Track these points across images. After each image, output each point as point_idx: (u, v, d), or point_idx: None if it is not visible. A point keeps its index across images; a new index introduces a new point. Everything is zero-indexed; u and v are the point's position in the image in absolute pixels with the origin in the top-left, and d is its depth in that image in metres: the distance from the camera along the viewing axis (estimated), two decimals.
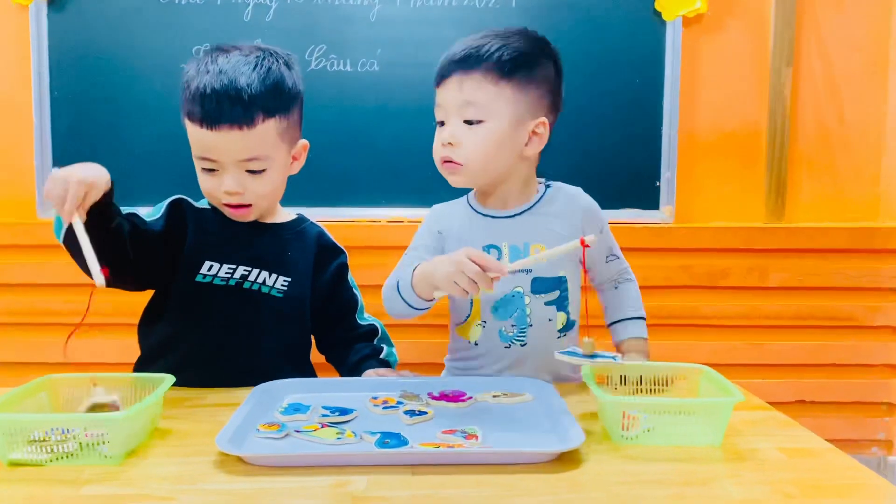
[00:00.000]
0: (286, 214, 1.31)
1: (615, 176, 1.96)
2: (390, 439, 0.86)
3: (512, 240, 1.20)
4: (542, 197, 1.24)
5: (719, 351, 1.93)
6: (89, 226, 1.00)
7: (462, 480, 0.77)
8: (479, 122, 1.15)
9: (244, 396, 1.00)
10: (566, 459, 0.82)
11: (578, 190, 1.27)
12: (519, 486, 0.76)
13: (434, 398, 1.03)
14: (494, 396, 1.04)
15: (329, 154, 1.90)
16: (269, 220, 1.28)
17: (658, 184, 1.97)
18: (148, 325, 1.26)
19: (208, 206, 1.25)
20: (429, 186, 1.94)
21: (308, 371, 1.30)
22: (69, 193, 0.97)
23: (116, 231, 1.08)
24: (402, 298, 1.13)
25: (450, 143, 1.16)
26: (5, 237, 1.90)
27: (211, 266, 1.20)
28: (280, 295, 1.23)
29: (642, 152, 1.96)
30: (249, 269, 1.21)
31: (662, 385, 1.02)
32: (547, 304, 1.20)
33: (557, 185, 1.27)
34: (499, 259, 1.18)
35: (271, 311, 1.22)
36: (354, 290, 1.35)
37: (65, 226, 1.01)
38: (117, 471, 0.80)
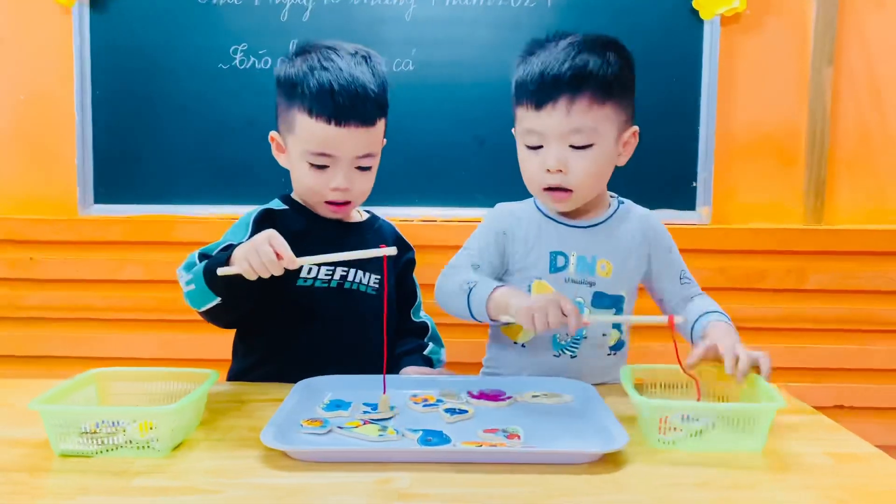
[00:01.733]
0: (357, 214, 1.34)
1: (651, 176, 1.94)
2: (433, 437, 0.87)
3: (581, 250, 1.19)
4: (614, 212, 1.23)
5: None
6: (245, 295, 1.08)
7: (505, 479, 0.77)
8: (588, 146, 1.12)
9: (284, 392, 1.01)
10: (609, 461, 0.82)
11: (648, 211, 1.27)
12: (561, 486, 0.76)
13: (473, 397, 1.03)
14: (534, 396, 1.04)
15: None
16: (349, 220, 1.30)
17: (694, 184, 1.95)
18: (249, 332, 1.25)
19: (287, 208, 1.26)
20: (463, 187, 1.96)
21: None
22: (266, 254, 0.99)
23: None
24: (469, 306, 1.10)
25: (558, 171, 1.12)
26: (47, 233, 1.94)
27: (310, 269, 1.21)
28: (374, 292, 1.25)
29: (679, 152, 1.94)
30: (347, 269, 1.23)
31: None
32: None
33: (629, 203, 1.26)
34: (565, 267, 1.18)
35: (371, 308, 1.23)
36: (416, 286, 1.37)
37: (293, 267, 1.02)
38: (165, 463, 0.81)
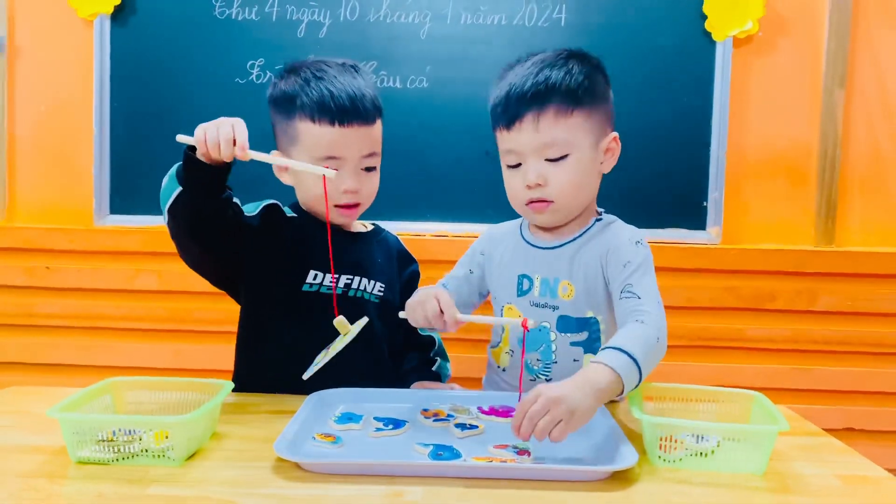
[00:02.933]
0: (362, 224, 1.37)
1: (662, 195, 1.95)
2: (443, 451, 0.88)
3: (545, 273, 1.17)
4: (585, 231, 1.18)
5: (765, 375, 1.90)
6: (205, 190, 1.08)
7: (515, 496, 0.78)
8: (563, 157, 1.12)
9: (297, 404, 1.03)
10: (619, 478, 0.83)
11: (625, 227, 1.20)
12: (571, 503, 0.77)
13: (484, 412, 1.04)
14: None
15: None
16: (352, 229, 1.33)
17: (705, 204, 1.95)
18: (253, 338, 1.26)
19: (296, 216, 1.28)
20: (475, 202, 1.97)
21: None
22: (224, 132, 1.02)
23: (226, 202, 1.13)
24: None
25: (538, 185, 1.13)
26: (63, 243, 1.96)
27: (316, 275, 1.22)
28: (377, 301, 1.27)
29: (690, 172, 1.95)
30: (352, 276, 1.25)
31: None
32: (573, 343, 1.15)
33: (610, 220, 1.21)
34: (529, 290, 1.18)
35: (375, 316, 1.25)
36: None
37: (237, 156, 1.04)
38: (180, 472, 0.83)
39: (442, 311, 1.05)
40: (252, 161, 1.07)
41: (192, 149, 1.05)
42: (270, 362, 1.23)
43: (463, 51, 1.95)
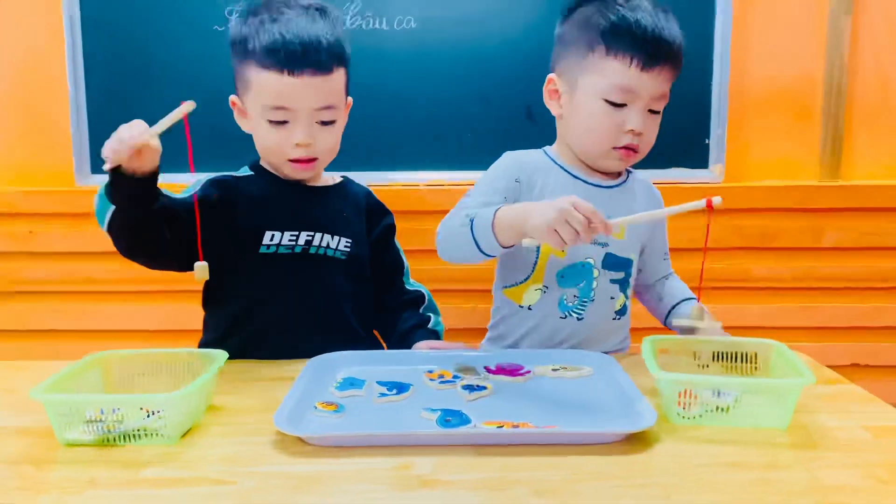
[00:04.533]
0: (330, 178, 1.30)
1: (662, 134, 1.82)
2: (452, 417, 0.83)
3: (598, 210, 1.14)
4: (629, 177, 1.24)
5: (771, 314, 1.87)
6: (135, 202, 1.03)
7: (529, 462, 0.74)
8: (657, 112, 1.15)
9: (296, 369, 0.98)
10: (636, 440, 0.79)
11: (644, 177, 1.29)
12: (588, 468, 0.73)
13: (491, 371, 1.00)
14: (554, 370, 1.01)
15: (365, 116, 1.82)
16: (317, 184, 1.26)
17: (707, 141, 1.89)
18: (215, 304, 1.24)
19: (251, 174, 1.22)
20: (470, 149, 1.90)
21: (371, 332, 1.29)
22: (122, 131, 0.98)
23: (158, 211, 1.08)
24: (474, 239, 1.04)
25: (640, 133, 1.13)
26: (44, 205, 1.89)
27: (272, 235, 1.17)
28: (344, 257, 1.22)
29: (691, 108, 1.87)
30: (312, 233, 1.19)
31: (732, 361, 0.98)
32: (612, 281, 1.18)
33: (635, 170, 1.27)
34: None
35: (340, 273, 1.21)
36: (400, 253, 1.33)
37: (142, 141, 0.99)
38: (175, 452, 0.78)
39: (589, 220, 0.92)
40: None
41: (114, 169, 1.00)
42: (231, 332, 1.19)
43: None
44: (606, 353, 1.07)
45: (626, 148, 1.14)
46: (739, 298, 1.87)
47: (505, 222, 1.00)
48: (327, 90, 1.15)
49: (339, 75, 1.16)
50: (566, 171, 1.19)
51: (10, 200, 1.89)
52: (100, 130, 1.89)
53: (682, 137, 1.89)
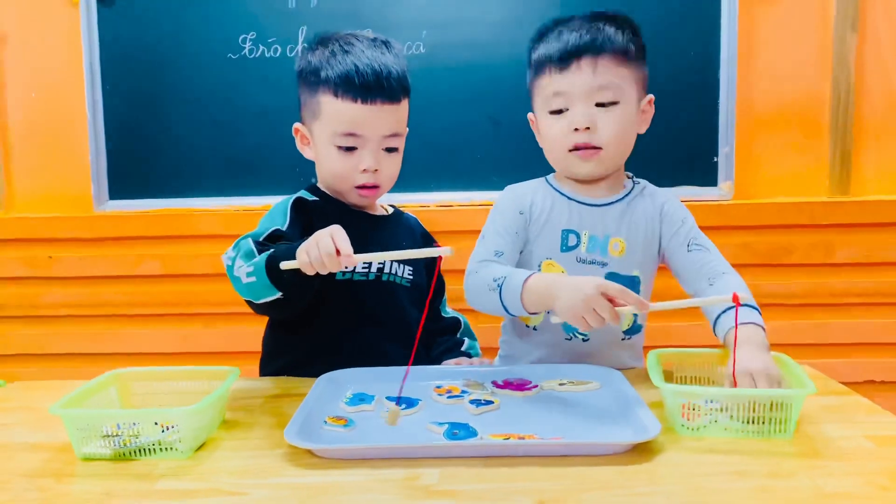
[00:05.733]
0: (382, 207, 1.33)
1: (671, 152, 1.90)
2: (459, 430, 0.85)
3: (593, 229, 1.17)
4: (629, 192, 1.21)
5: (783, 330, 1.86)
6: (308, 289, 1.06)
7: (535, 473, 0.75)
8: (613, 103, 1.13)
9: (305, 387, 1.00)
10: (641, 450, 0.80)
11: (664, 190, 1.25)
12: (593, 478, 0.74)
13: (498, 386, 1.02)
14: (560, 384, 1.02)
15: None
16: (374, 213, 1.29)
17: (716, 159, 1.90)
18: (289, 329, 1.21)
19: (317, 199, 1.23)
20: (479, 170, 1.93)
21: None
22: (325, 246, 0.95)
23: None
24: (503, 304, 1.07)
25: (587, 128, 1.12)
26: (64, 231, 1.94)
27: None
28: (408, 284, 1.24)
29: (699, 126, 1.90)
30: (383, 262, 1.21)
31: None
32: None
33: (645, 183, 1.24)
34: (576, 245, 1.16)
35: (407, 300, 1.23)
36: (443, 282, 1.37)
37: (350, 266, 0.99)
38: (189, 465, 0.80)
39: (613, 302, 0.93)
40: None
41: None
42: (313, 358, 1.16)
43: (458, 13, 1.90)
44: None
45: (581, 148, 1.14)
46: None
47: (533, 295, 1.03)
48: (395, 119, 1.19)
49: (405, 105, 1.21)
50: (560, 193, 1.20)
51: (29, 226, 1.94)
52: (117, 157, 1.95)
53: (691, 155, 1.91)
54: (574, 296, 0.95)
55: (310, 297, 1.10)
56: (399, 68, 1.18)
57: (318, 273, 0.96)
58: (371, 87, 1.15)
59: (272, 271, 1.00)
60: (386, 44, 1.20)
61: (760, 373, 0.90)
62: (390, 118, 1.18)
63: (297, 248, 0.97)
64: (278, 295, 1.03)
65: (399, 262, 1.24)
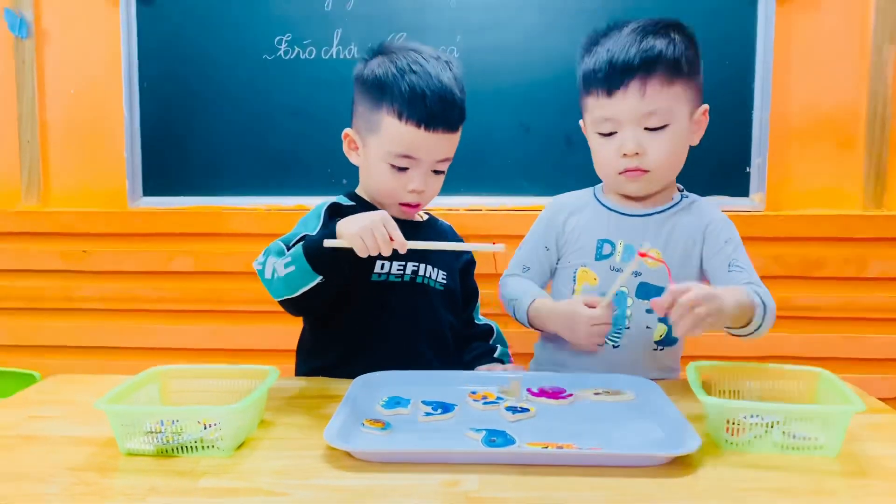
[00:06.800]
0: (418, 214, 1.33)
1: (703, 162, 1.85)
2: (496, 437, 0.85)
3: (629, 239, 1.18)
4: (675, 204, 1.21)
5: (814, 343, 1.85)
6: (347, 271, 1.07)
7: (573, 483, 0.75)
8: (663, 127, 1.12)
9: (341, 388, 1.01)
10: (680, 463, 0.79)
11: (705, 201, 1.23)
12: (633, 490, 0.74)
13: (533, 394, 1.02)
14: (596, 394, 1.02)
15: None
16: (410, 219, 1.29)
17: (748, 170, 1.89)
18: (328, 333, 1.22)
19: (355, 204, 1.24)
20: (509, 174, 1.93)
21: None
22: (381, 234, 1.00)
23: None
24: (519, 320, 1.23)
25: (636, 154, 1.12)
26: (99, 226, 1.96)
27: (383, 265, 1.20)
28: (442, 288, 1.25)
29: (732, 137, 1.88)
30: (417, 264, 1.22)
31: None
32: (648, 311, 1.16)
33: (694, 197, 1.23)
34: (611, 254, 1.18)
35: (441, 303, 1.24)
36: (476, 288, 1.37)
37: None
38: (230, 464, 0.81)
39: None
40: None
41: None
42: (348, 357, 1.19)
43: (494, 17, 1.90)
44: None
45: (631, 170, 1.14)
46: (781, 327, 1.84)
47: (536, 321, 1.22)
48: (451, 145, 1.20)
49: (460, 131, 1.22)
50: (603, 204, 1.22)
51: (64, 221, 1.96)
52: (152, 155, 1.97)
53: (723, 166, 1.89)
54: (566, 326, 1.14)
55: (347, 279, 1.10)
56: (461, 95, 1.18)
57: (355, 256, 1.00)
58: (436, 115, 1.14)
59: (311, 254, 1.03)
60: (449, 63, 1.19)
61: (699, 287, 0.93)
62: (447, 145, 1.19)
63: (328, 233, 1.02)
64: (317, 280, 1.04)
65: (443, 252, 1.24)
